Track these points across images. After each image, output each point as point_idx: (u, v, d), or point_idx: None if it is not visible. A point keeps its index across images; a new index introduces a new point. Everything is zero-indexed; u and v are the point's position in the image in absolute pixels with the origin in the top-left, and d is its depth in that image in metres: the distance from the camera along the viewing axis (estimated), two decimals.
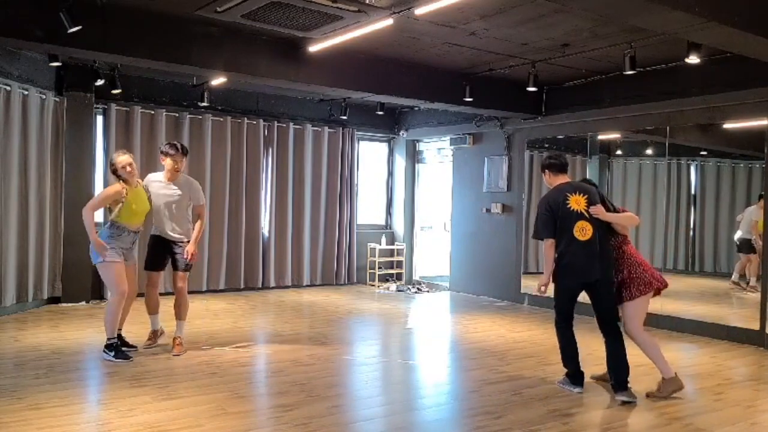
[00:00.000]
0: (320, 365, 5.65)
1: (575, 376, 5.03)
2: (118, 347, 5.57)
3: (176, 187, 5.88)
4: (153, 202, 5.84)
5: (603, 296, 4.87)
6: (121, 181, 5.63)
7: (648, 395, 4.85)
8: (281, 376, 5.31)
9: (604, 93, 8.20)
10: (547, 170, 5.15)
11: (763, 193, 7.28)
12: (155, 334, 6.10)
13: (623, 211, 5.14)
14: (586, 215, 4.85)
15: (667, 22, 4.68)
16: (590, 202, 4.90)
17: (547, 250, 4.95)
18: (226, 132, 9.64)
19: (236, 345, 6.25)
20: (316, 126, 10.56)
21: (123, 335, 5.83)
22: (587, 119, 8.56)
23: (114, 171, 5.66)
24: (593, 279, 4.82)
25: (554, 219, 4.91)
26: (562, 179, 5.09)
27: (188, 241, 5.89)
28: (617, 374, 4.80)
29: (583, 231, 4.82)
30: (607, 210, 4.91)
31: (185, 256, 5.84)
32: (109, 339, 5.56)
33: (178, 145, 5.90)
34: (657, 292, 4.94)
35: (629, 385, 4.78)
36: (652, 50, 6.65)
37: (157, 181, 5.90)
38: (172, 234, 5.86)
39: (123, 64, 7.57)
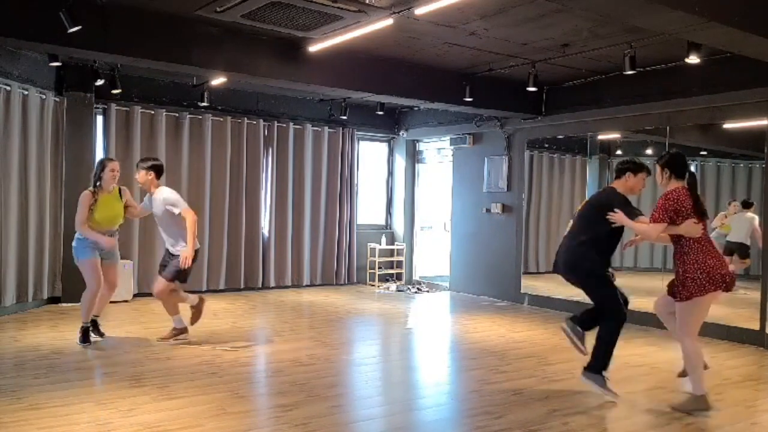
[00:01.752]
0: (320, 365, 5.65)
1: (583, 320, 4.98)
2: (86, 331, 5.99)
3: (154, 202, 6.12)
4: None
5: (583, 289, 4.96)
6: (93, 186, 5.90)
7: (672, 408, 4.61)
8: (281, 376, 5.31)
9: (604, 93, 8.20)
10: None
11: (750, 200, 7.48)
12: (182, 331, 6.27)
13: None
14: (578, 211, 5.04)
15: (667, 22, 4.68)
16: (588, 204, 5.03)
17: None
18: (226, 132, 9.64)
19: (236, 345, 6.26)
20: (316, 126, 10.56)
21: (98, 321, 6.21)
22: (587, 119, 8.56)
23: (100, 172, 5.91)
24: (559, 271, 4.98)
25: None
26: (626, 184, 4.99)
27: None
28: (594, 356, 4.79)
29: (568, 225, 5.07)
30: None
31: (181, 264, 5.94)
32: (83, 323, 5.99)
33: (145, 159, 6.28)
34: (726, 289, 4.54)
35: (605, 376, 4.72)
36: (652, 50, 6.65)
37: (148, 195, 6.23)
38: (169, 247, 6.13)
39: (123, 64, 7.57)
